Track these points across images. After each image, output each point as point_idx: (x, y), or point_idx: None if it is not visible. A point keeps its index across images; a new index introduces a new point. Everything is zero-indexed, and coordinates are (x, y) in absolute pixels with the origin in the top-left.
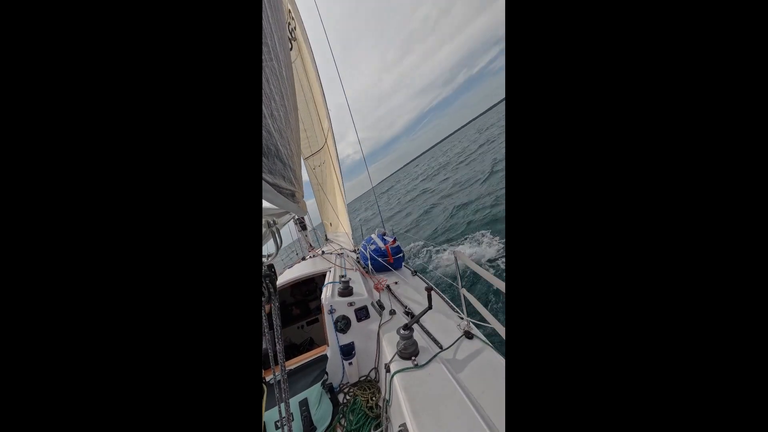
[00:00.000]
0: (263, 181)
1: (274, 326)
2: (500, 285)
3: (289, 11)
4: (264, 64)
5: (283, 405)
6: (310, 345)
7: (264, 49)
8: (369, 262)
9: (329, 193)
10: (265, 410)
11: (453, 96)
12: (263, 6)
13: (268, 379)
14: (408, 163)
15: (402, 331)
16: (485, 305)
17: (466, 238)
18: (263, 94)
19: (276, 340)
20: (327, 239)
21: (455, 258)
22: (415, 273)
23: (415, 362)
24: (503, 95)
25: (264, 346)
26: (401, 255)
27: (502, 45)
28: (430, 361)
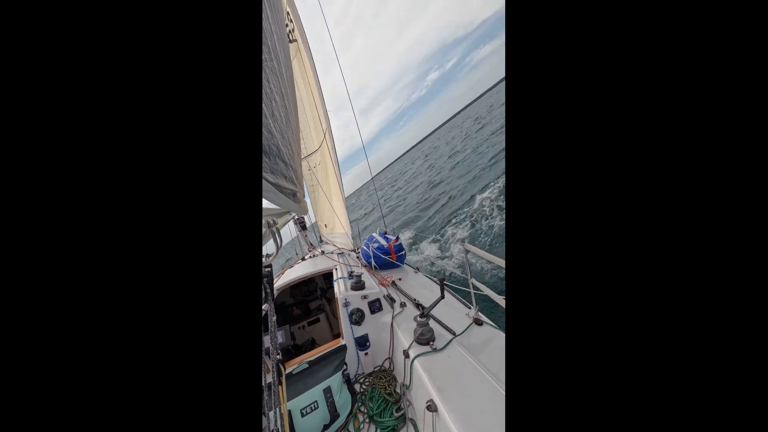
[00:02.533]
0: (265, 181)
1: (269, 325)
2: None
3: (288, 13)
4: (264, 64)
5: (308, 391)
6: (312, 345)
7: (264, 48)
8: (372, 259)
9: (327, 194)
10: (289, 399)
11: (433, 90)
12: (263, 6)
13: (289, 369)
14: (395, 161)
15: (419, 319)
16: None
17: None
18: (264, 94)
19: (272, 337)
20: (321, 241)
21: (465, 250)
22: (417, 270)
23: (433, 347)
24: (487, 86)
25: (281, 340)
26: (403, 252)
27: (466, 43)
28: (447, 345)
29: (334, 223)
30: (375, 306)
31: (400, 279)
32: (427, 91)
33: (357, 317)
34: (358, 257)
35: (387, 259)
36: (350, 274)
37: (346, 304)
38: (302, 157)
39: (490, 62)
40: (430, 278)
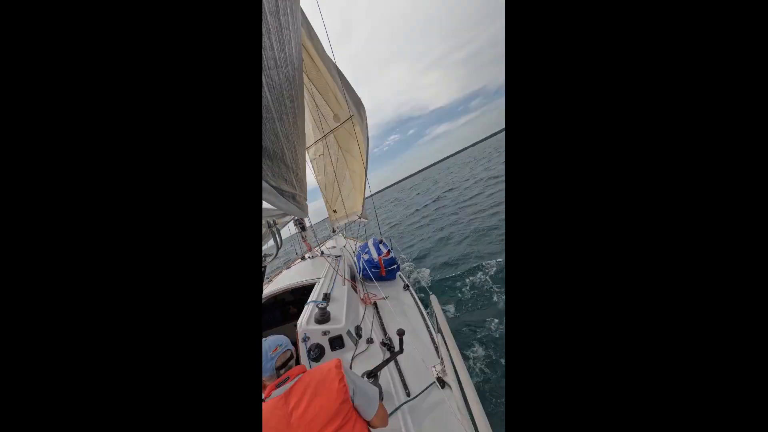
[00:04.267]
0: (266, 183)
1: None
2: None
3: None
4: (279, 69)
5: None
6: None
7: (281, 55)
8: (361, 272)
9: (345, 174)
10: None
11: (394, 149)
12: (286, 15)
13: None
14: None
15: (366, 378)
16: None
17: None
18: (276, 99)
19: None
20: (334, 231)
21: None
22: (406, 287)
23: None
24: (446, 155)
25: None
26: (395, 267)
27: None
28: (393, 413)
29: (343, 210)
30: (336, 343)
31: (385, 298)
32: (388, 148)
33: (315, 354)
34: (354, 261)
35: (375, 274)
36: (325, 296)
37: (305, 339)
38: (307, 146)
39: (448, 138)
40: (416, 302)
